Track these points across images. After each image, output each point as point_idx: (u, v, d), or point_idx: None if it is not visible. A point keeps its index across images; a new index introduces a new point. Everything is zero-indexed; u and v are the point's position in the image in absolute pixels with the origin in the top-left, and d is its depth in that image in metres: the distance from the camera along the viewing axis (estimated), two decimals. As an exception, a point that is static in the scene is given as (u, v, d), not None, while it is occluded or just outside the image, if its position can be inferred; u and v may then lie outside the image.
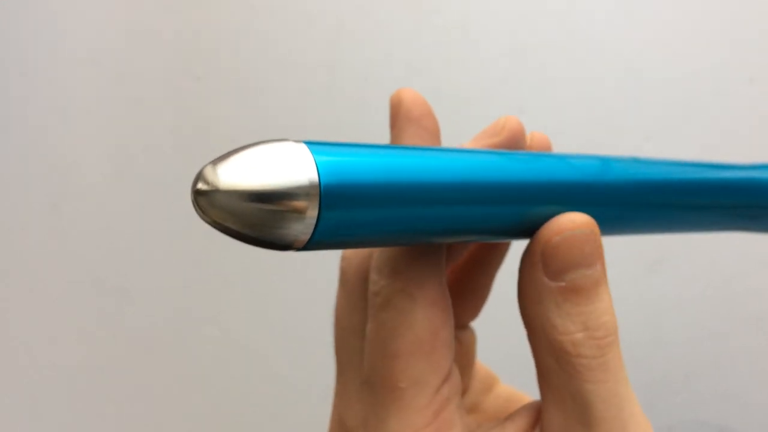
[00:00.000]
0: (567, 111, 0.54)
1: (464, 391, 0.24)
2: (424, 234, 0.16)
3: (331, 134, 0.52)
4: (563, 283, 0.17)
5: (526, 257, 0.18)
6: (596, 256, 0.17)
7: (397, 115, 0.21)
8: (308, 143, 0.14)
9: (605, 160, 0.20)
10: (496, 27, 0.53)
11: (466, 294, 0.24)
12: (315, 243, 0.14)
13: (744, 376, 0.58)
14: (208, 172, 0.14)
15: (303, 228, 0.13)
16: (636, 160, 0.21)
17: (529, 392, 0.27)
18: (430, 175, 0.15)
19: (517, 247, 0.19)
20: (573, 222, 0.17)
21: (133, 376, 0.54)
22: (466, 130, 0.55)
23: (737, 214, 0.22)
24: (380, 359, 0.17)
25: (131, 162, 0.52)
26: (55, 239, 0.53)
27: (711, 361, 0.58)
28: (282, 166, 0.13)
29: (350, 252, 0.20)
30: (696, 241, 0.57)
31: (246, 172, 0.13)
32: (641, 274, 0.57)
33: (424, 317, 0.17)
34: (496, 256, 0.24)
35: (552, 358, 0.17)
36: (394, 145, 0.16)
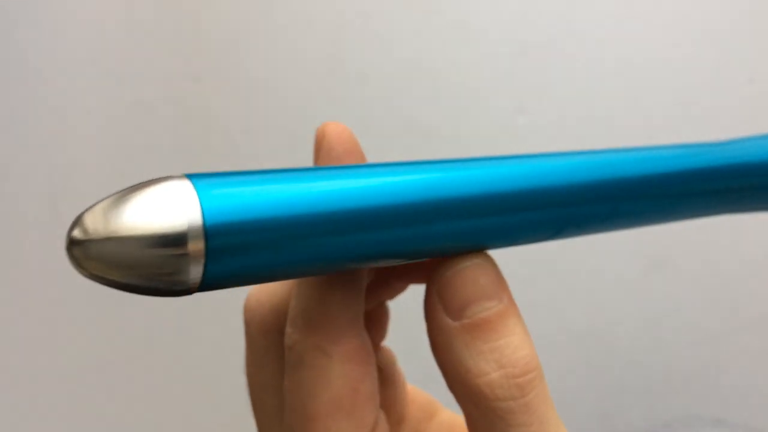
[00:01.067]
0: (567, 110, 0.54)
1: (400, 421, 0.23)
2: (322, 263, 0.14)
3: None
4: (467, 320, 0.16)
5: (426, 300, 0.17)
6: (496, 286, 0.16)
7: (319, 151, 0.20)
8: (193, 178, 0.13)
9: (539, 162, 0.17)
10: (496, 26, 0.53)
11: (371, 315, 0.22)
12: (209, 285, 0.13)
13: (744, 377, 0.58)
14: (86, 219, 0.13)
15: (193, 272, 0.12)
16: (581, 156, 0.18)
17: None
18: (323, 203, 0.14)
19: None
20: (463, 254, 0.16)
21: (133, 377, 0.54)
22: (466, 129, 0.55)
23: (720, 199, 0.20)
24: (298, 421, 0.16)
25: (131, 162, 0.52)
26: (55, 239, 0.53)
27: (711, 362, 0.58)
28: (164, 208, 0.12)
29: (253, 302, 0.19)
30: (696, 242, 0.57)
31: (126, 218, 0.12)
32: (641, 275, 0.57)
33: (341, 374, 0.16)
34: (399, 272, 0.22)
35: (472, 404, 0.16)
36: (291, 168, 0.15)
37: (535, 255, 0.56)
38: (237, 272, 0.13)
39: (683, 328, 0.58)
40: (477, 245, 0.16)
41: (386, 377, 0.23)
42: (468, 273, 0.16)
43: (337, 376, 0.16)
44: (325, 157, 0.19)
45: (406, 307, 0.58)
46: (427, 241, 0.15)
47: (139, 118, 0.52)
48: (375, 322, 0.23)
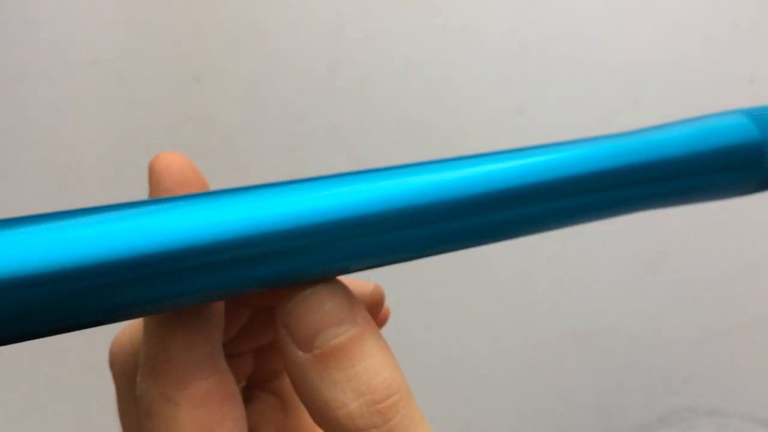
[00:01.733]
0: (567, 111, 0.54)
1: None
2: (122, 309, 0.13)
3: (331, 134, 0.52)
4: (318, 350, 0.15)
5: (278, 336, 0.16)
6: (345, 310, 0.15)
7: (150, 184, 0.18)
8: None
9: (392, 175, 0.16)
10: (496, 26, 0.53)
11: (266, 346, 0.21)
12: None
13: (744, 376, 0.58)
14: None
15: None
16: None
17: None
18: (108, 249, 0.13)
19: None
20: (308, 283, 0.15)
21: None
22: (466, 129, 0.55)
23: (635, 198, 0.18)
24: None
25: (131, 162, 0.52)
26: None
27: (711, 361, 0.58)
28: None
29: (115, 346, 0.18)
30: (696, 242, 0.57)
31: None
32: (641, 274, 0.57)
33: (191, 421, 0.15)
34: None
35: None
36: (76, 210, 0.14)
37: (536, 255, 0.56)
38: (22, 327, 0.12)
39: (683, 327, 0.58)
40: (318, 273, 0.15)
41: (288, 404, 0.22)
42: (311, 300, 0.15)
43: (186, 425, 0.15)
44: (155, 191, 0.18)
45: (406, 306, 0.58)
46: (251, 272, 0.14)
47: (139, 118, 0.52)
48: (271, 352, 0.21)
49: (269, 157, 0.53)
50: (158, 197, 0.16)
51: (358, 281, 0.20)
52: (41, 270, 0.12)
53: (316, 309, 0.15)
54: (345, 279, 0.16)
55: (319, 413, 0.15)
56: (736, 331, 0.58)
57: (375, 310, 0.21)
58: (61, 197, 0.52)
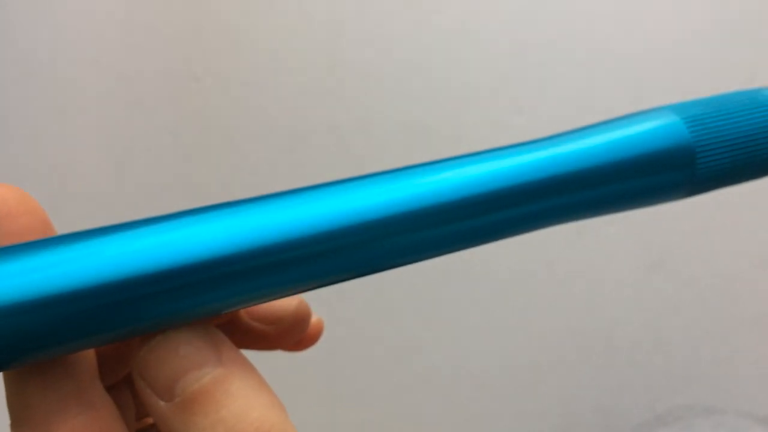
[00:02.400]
0: (565, 111, 0.54)
1: None
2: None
3: (331, 134, 0.52)
4: (179, 398, 0.14)
5: (136, 386, 0.15)
6: (204, 351, 0.14)
7: None
8: None
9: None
10: (496, 27, 0.53)
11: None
12: None
13: (744, 376, 0.58)
14: None
15: None
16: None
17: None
18: None
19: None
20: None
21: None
22: (466, 130, 0.55)
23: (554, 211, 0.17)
24: None
25: (131, 162, 0.52)
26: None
27: (711, 361, 0.58)
28: None
29: None
30: (696, 242, 0.57)
31: None
32: (641, 275, 0.57)
33: None
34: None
35: None
36: None
37: (536, 255, 0.56)
38: None
39: (683, 327, 0.58)
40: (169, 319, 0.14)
41: None
42: (164, 346, 0.14)
43: None
44: None
45: (406, 306, 0.58)
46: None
47: (139, 118, 0.52)
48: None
49: (269, 157, 0.53)
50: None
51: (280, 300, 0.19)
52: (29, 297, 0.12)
53: (170, 355, 0.14)
54: None
55: None
56: (736, 331, 0.58)
57: (299, 327, 0.21)
58: (61, 197, 0.52)
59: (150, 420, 0.20)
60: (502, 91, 0.54)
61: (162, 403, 0.14)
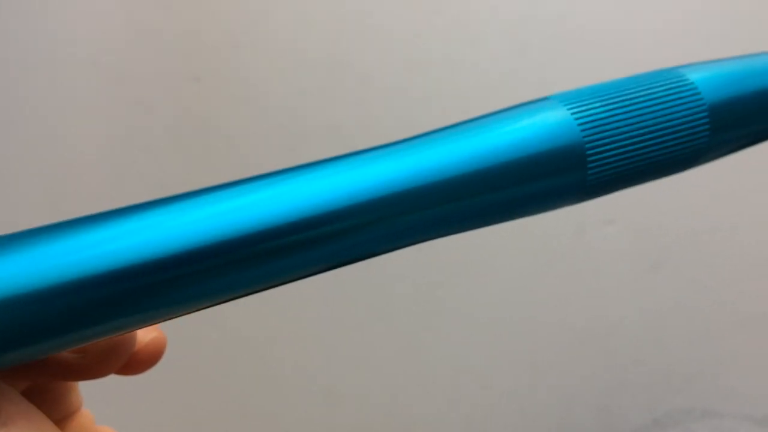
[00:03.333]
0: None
1: None
2: None
3: (331, 134, 0.52)
4: None
5: None
6: None
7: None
8: None
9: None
10: (496, 26, 0.53)
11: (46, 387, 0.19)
12: None
13: (744, 376, 0.58)
14: None
15: None
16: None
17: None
18: None
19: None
20: None
21: (132, 378, 0.54)
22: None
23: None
24: None
25: (131, 162, 0.52)
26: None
27: (711, 361, 0.58)
28: None
29: None
30: (696, 242, 0.57)
31: None
32: (641, 275, 0.57)
33: None
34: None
35: None
36: None
37: (536, 255, 0.56)
38: None
39: (683, 327, 0.58)
40: None
41: None
42: None
43: None
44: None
45: (406, 306, 0.58)
46: None
47: (139, 118, 0.52)
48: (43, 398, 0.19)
49: (269, 157, 0.53)
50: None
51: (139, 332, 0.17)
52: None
53: None
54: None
55: None
56: (736, 331, 0.58)
57: (115, 354, 0.19)
58: (61, 197, 0.52)
59: None
60: (502, 91, 0.54)
61: None
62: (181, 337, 0.54)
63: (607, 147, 0.16)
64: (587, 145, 0.16)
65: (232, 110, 0.53)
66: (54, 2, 0.51)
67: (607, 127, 0.16)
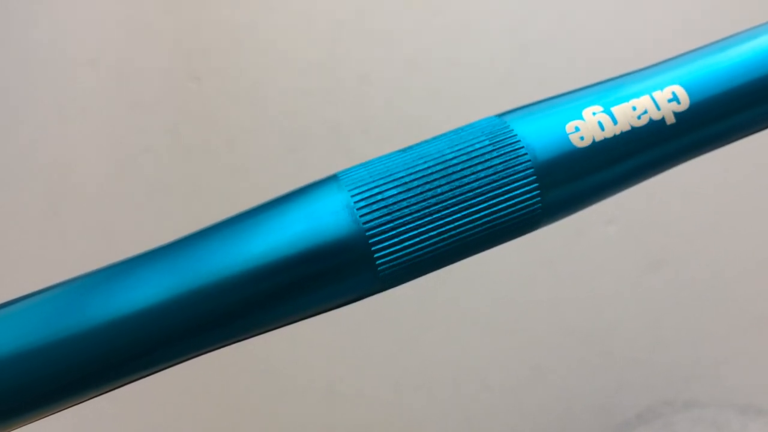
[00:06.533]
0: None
1: None
2: None
3: (331, 134, 0.52)
4: None
5: None
6: None
7: None
8: None
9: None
10: (496, 26, 0.53)
11: None
12: None
13: (743, 376, 0.58)
14: None
15: None
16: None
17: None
18: None
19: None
20: None
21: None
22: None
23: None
24: None
25: (131, 162, 0.52)
26: (55, 239, 0.53)
27: (711, 362, 0.58)
28: None
29: None
30: (696, 242, 0.57)
31: None
32: (641, 275, 0.57)
33: None
34: None
35: None
36: None
37: (536, 255, 0.56)
38: None
39: (683, 327, 0.58)
40: None
41: None
42: None
43: None
44: None
45: (407, 306, 0.58)
46: None
47: (139, 118, 0.52)
48: None
49: (269, 157, 0.53)
50: None
51: None
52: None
53: None
54: None
55: None
56: (736, 331, 0.58)
57: None
58: (61, 197, 0.52)
59: None
60: (502, 91, 0.54)
61: None
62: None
63: (399, 233, 0.14)
64: (368, 233, 0.14)
65: (232, 110, 0.53)
66: (54, 2, 0.51)
67: (395, 208, 0.14)
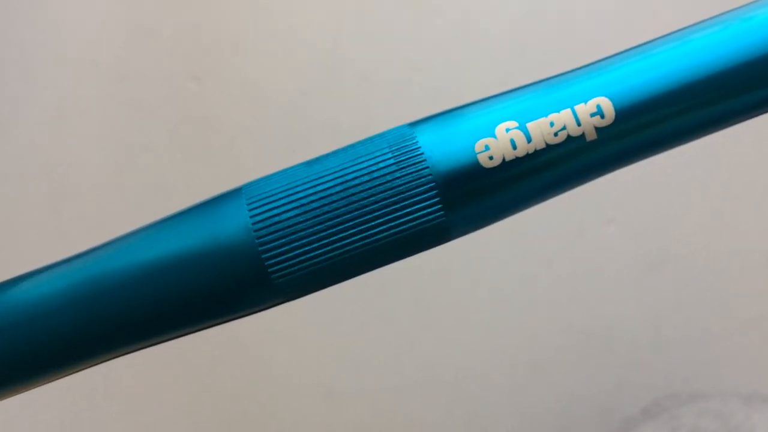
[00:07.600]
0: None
1: None
2: None
3: (331, 134, 0.52)
4: None
5: None
6: None
7: None
8: None
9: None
10: (496, 26, 0.53)
11: None
12: None
13: (743, 375, 0.58)
14: None
15: None
16: None
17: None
18: None
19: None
20: None
21: (132, 377, 0.54)
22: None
23: None
24: None
25: (131, 162, 0.52)
26: (55, 239, 0.53)
27: (711, 362, 0.58)
28: None
29: None
30: (696, 242, 0.57)
31: None
32: (641, 275, 0.57)
33: None
34: None
35: None
36: None
37: (536, 255, 0.56)
38: None
39: (683, 327, 0.58)
40: None
41: None
42: None
43: None
44: None
45: (406, 306, 0.58)
46: None
47: (139, 118, 0.52)
48: None
49: (269, 158, 0.53)
50: None
51: None
52: None
53: None
54: None
55: None
56: (736, 331, 0.58)
57: None
58: (61, 197, 0.52)
59: None
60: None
61: None
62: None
63: (293, 248, 0.14)
64: (261, 248, 0.14)
65: (232, 110, 0.53)
66: (54, 2, 0.51)
67: (289, 224, 0.14)
